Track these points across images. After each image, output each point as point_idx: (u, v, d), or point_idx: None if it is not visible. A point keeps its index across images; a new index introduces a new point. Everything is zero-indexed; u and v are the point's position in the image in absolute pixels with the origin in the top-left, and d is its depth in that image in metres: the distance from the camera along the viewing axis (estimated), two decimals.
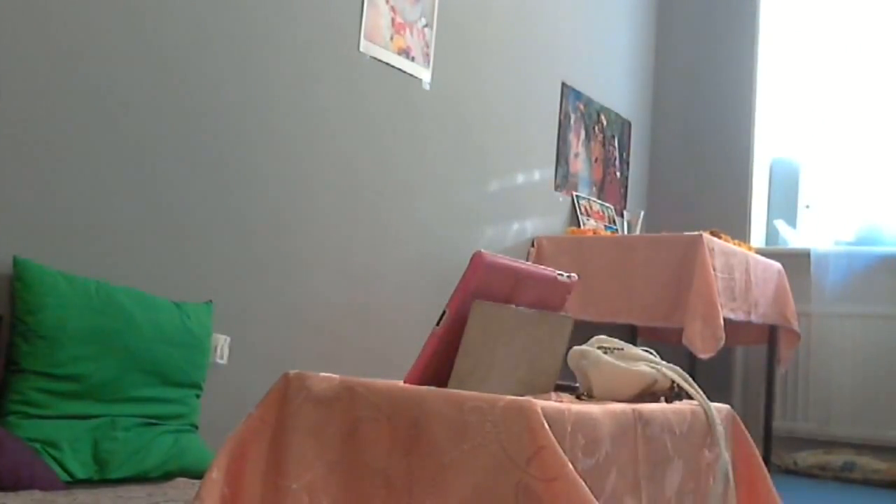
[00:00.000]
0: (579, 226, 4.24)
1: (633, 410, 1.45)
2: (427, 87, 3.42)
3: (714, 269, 3.46)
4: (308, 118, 2.94)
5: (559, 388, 1.67)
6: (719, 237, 3.70)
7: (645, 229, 4.63)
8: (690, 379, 1.66)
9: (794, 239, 4.62)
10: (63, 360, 2.06)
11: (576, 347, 1.65)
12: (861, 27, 4.62)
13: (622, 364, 1.60)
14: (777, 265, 4.14)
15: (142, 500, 1.87)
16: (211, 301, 2.53)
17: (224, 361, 2.63)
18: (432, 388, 1.34)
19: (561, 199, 4.23)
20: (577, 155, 4.35)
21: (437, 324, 1.40)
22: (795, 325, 4.14)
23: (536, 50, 4.07)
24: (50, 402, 2.04)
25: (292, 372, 1.45)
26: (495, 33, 3.80)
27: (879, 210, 4.44)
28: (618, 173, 4.71)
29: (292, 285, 2.89)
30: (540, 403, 1.22)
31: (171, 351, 2.28)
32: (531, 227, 4.02)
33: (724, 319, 3.43)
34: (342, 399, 1.38)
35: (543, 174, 4.12)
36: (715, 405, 1.72)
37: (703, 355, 3.38)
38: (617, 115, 4.70)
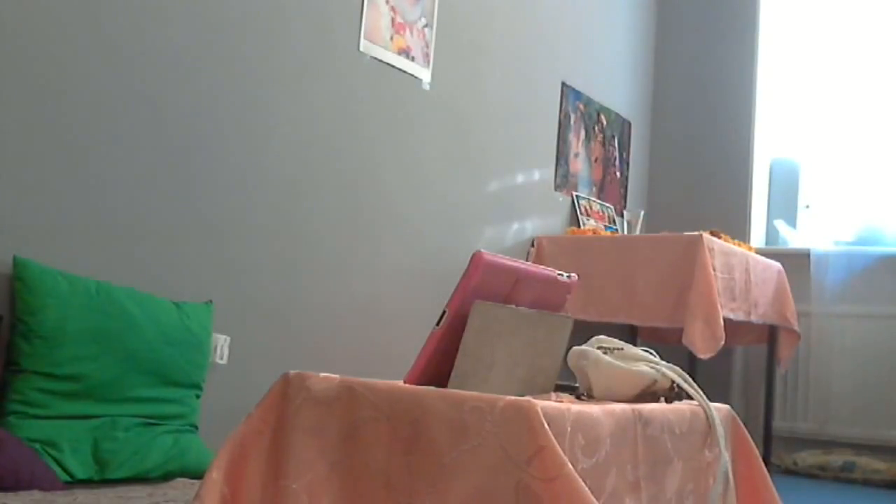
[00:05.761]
0: (579, 226, 4.24)
1: (633, 410, 1.45)
2: (427, 87, 3.42)
3: (714, 269, 3.46)
4: (308, 118, 2.94)
5: (559, 388, 1.67)
6: (719, 237, 3.70)
7: (645, 229, 4.62)
8: (690, 379, 1.66)
9: (793, 239, 4.62)
10: (63, 360, 2.06)
11: (576, 347, 1.65)
12: (861, 27, 4.62)
13: (622, 364, 1.60)
14: (777, 265, 4.14)
15: (142, 500, 1.87)
16: (211, 301, 2.53)
17: (224, 361, 2.63)
18: (432, 388, 1.34)
19: (561, 199, 4.23)
20: (576, 155, 4.35)
21: (437, 324, 1.40)
22: (795, 325, 4.15)
23: (536, 50, 4.07)
24: (50, 402, 2.04)
25: (292, 372, 1.45)
26: (495, 33, 3.80)
27: (879, 210, 4.43)
28: (618, 173, 4.71)
29: (292, 285, 2.89)
30: (540, 403, 1.22)
31: (171, 351, 2.28)
32: (531, 227, 4.02)
33: (724, 319, 3.43)
34: (342, 399, 1.38)
35: (543, 174, 4.12)
36: (715, 405, 1.72)
37: (703, 355, 3.38)
38: (617, 115, 4.70)
